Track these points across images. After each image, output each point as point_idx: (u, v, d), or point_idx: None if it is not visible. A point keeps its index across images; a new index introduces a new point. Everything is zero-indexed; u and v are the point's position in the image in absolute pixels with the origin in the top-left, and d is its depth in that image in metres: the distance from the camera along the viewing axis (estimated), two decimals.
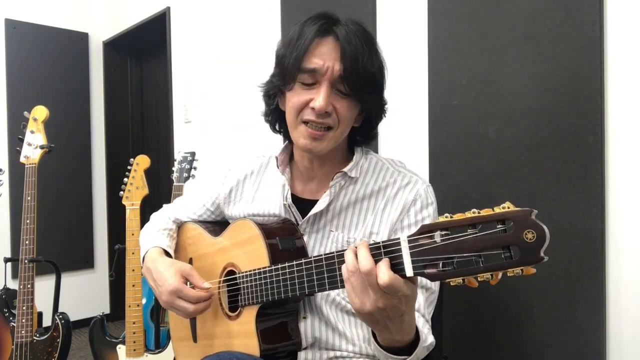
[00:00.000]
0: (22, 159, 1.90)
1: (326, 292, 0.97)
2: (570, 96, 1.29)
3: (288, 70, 0.94)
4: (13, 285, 1.97)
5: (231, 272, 1.04)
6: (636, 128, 1.21)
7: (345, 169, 1.00)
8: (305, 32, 0.93)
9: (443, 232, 0.64)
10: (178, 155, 2.10)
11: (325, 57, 0.91)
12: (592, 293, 1.27)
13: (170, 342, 1.76)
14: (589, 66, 1.26)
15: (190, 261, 1.19)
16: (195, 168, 2.08)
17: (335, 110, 0.93)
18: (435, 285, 0.97)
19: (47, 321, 1.91)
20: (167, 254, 1.15)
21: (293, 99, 0.95)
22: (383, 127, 1.82)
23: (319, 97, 0.91)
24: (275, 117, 1.06)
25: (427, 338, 0.88)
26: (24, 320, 1.79)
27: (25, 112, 1.94)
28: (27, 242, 1.83)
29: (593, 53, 1.25)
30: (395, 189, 0.99)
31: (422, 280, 0.93)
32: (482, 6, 1.46)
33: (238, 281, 1.00)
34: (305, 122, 0.95)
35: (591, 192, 1.26)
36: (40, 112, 1.93)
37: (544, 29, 1.34)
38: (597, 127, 1.25)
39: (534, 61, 1.36)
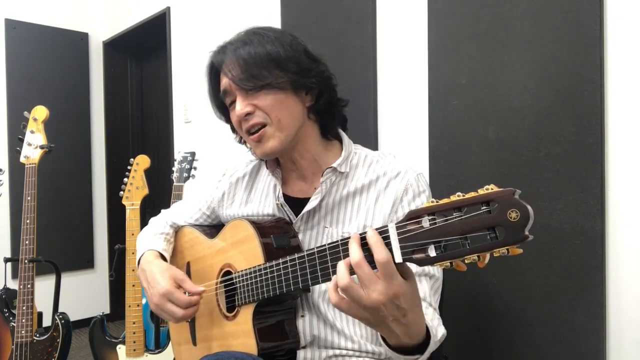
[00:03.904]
0: (22, 159, 1.90)
1: (323, 289, 0.98)
2: (570, 96, 1.29)
3: (217, 108, 1.08)
4: (13, 285, 1.97)
5: (228, 273, 1.04)
6: (636, 128, 1.21)
7: (334, 164, 1.01)
8: (207, 80, 1.06)
9: (430, 217, 0.65)
10: (178, 155, 2.10)
11: (224, 78, 1.00)
12: (592, 293, 1.27)
13: (170, 346, 1.76)
14: (589, 66, 1.26)
15: (188, 265, 1.19)
16: (195, 168, 2.08)
17: (257, 106, 0.96)
18: (438, 272, 0.96)
19: (47, 321, 1.91)
20: (163, 257, 1.15)
21: (232, 122, 1.04)
22: (383, 127, 1.83)
23: (237, 106, 0.98)
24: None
25: (438, 332, 0.88)
26: (24, 320, 1.79)
27: (25, 112, 1.94)
28: (27, 242, 1.83)
29: (593, 53, 1.25)
30: (386, 180, 0.99)
31: (424, 268, 0.93)
32: (482, 6, 1.46)
33: (234, 281, 1.00)
34: (250, 134, 0.99)
35: (591, 192, 1.26)
36: (40, 112, 1.93)
37: (544, 29, 1.34)
38: (597, 127, 1.25)
39: (534, 61, 1.36)
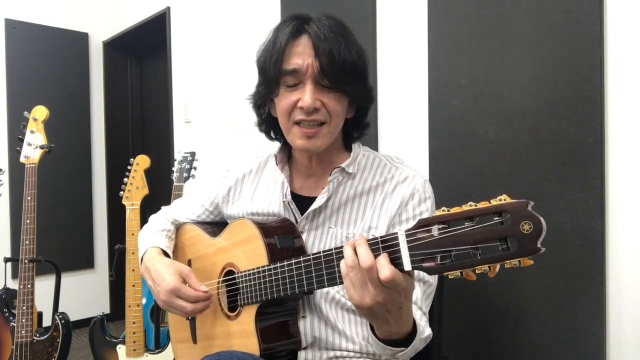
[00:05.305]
0: (22, 159, 1.90)
1: (325, 291, 0.98)
2: (570, 96, 1.29)
3: (271, 77, 0.96)
4: (13, 285, 1.97)
5: (230, 272, 1.04)
6: (636, 128, 1.21)
7: (342, 165, 1.01)
8: (279, 36, 0.95)
9: (440, 226, 0.65)
10: (178, 155, 2.10)
11: (303, 55, 0.93)
12: (592, 293, 1.27)
13: (170, 344, 1.76)
14: (589, 66, 1.26)
15: (189, 262, 1.19)
16: (195, 168, 2.08)
17: (324, 105, 0.94)
18: (432, 279, 0.97)
19: (47, 321, 1.91)
20: (166, 254, 1.15)
21: (281, 103, 0.97)
22: (383, 127, 1.83)
23: (305, 95, 0.93)
24: (269, 125, 1.08)
25: (425, 330, 0.89)
26: (24, 320, 1.79)
27: (25, 112, 1.94)
28: (27, 242, 1.83)
29: (593, 53, 1.25)
30: (393, 184, 1.00)
31: (419, 273, 0.94)
32: (482, 6, 1.46)
33: (237, 281, 1.00)
34: (298, 123, 0.96)
35: (591, 192, 1.26)
36: (40, 112, 1.93)
37: (544, 29, 1.34)
38: (597, 127, 1.25)
39: (534, 61, 1.36)
